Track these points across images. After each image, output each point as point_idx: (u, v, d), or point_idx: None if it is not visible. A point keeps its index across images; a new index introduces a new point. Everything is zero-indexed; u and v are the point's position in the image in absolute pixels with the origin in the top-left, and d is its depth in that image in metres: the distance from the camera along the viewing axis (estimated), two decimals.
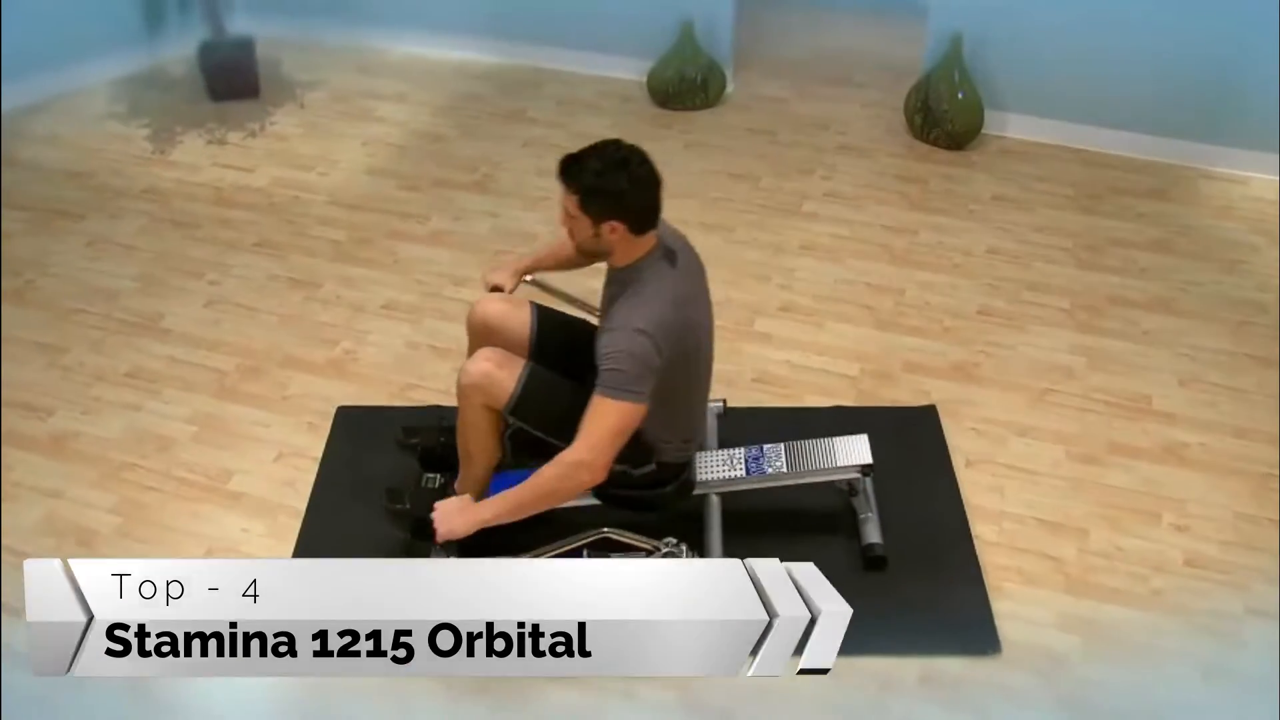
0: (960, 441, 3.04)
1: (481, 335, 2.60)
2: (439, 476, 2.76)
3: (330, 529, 2.78)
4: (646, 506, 2.56)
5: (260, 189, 4.19)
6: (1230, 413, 3.15)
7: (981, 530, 2.78)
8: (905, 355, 3.35)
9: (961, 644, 2.51)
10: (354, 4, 5.23)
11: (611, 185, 2.16)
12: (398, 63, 5.18)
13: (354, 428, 3.09)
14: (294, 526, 2.79)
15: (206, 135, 4.54)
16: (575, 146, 4.77)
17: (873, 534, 2.68)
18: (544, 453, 2.48)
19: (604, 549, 2.48)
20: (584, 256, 2.37)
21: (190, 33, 4.83)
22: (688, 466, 2.55)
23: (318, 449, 3.02)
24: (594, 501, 2.51)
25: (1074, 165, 4.35)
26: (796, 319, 3.50)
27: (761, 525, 2.73)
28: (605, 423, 2.18)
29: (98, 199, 4.12)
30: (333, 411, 3.14)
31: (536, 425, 2.44)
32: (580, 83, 5.00)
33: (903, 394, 3.21)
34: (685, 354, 2.31)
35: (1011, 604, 2.59)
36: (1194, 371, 3.30)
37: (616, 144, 2.21)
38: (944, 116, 4.33)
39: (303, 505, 2.85)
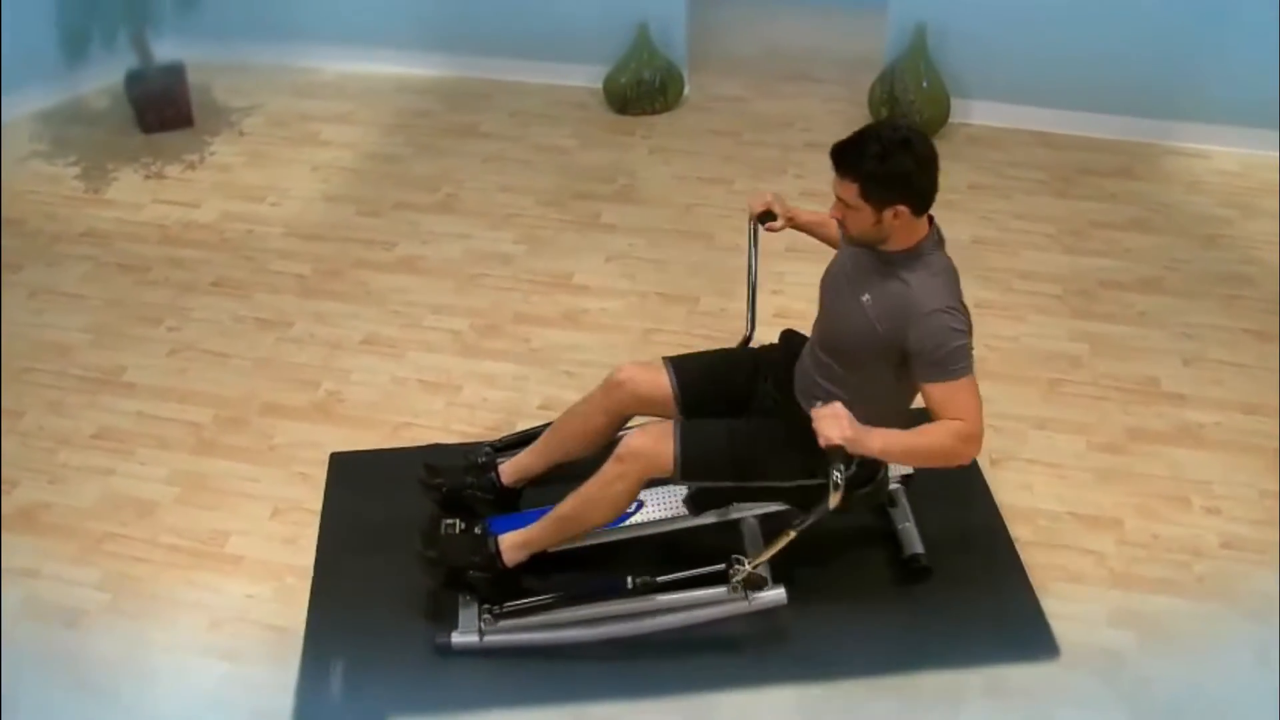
0: None
1: (630, 406, 2.51)
2: (458, 521, 2.60)
3: (343, 586, 2.60)
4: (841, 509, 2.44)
5: (209, 224, 3.95)
6: (1237, 389, 3.16)
7: (1018, 530, 2.73)
8: None
9: (1020, 650, 2.46)
10: (281, 22, 4.97)
11: (898, 168, 2.00)
12: (334, 81, 4.95)
13: (351, 474, 2.91)
14: (302, 588, 2.60)
15: (142, 170, 4.27)
16: (537, 159, 4.69)
17: (914, 544, 2.61)
18: (723, 502, 2.40)
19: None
20: (849, 244, 2.21)
21: (110, 61, 4.54)
22: (883, 465, 2.39)
23: (315, 501, 2.83)
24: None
25: (1040, 149, 4.36)
26: (794, 325, 3.35)
27: (799, 543, 2.61)
28: (976, 398, 2.05)
29: (33, 246, 3.83)
30: (325, 459, 2.95)
31: (712, 478, 2.31)
32: (529, 92, 4.84)
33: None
34: None
35: (1061, 604, 2.54)
36: (1195, 350, 3.31)
37: (892, 124, 2.09)
38: (911, 107, 4.30)
39: (309, 563, 2.66)
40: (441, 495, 2.65)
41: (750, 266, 2.61)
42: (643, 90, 4.57)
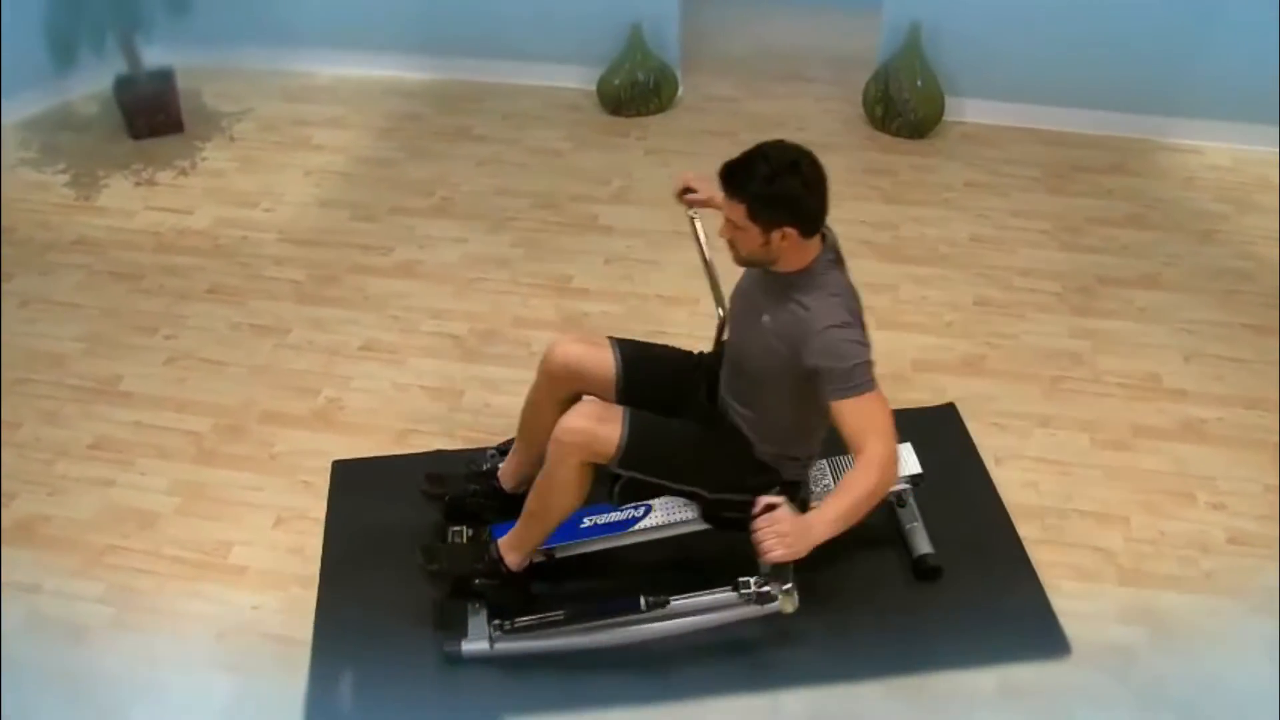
0: (985, 438, 2.98)
1: (562, 381, 2.44)
2: (465, 529, 2.58)
3: (350, 596, 2.57)
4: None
5: (203, 231, 3.91)
6: (1238, 384, 3.17)
7: (1025, 528, 2.73)
8: (913, 354, 3.29)
9: (1031, 648, 2.46)
10: (270, 26, 4.93)
11: (785, 190, 2.00)
12: (325, 85, 4.91)
13: (354, 482, 2.88)
14: (308, 597, 2.57)
15: (133, 177, 4.23)
16: (532, 162, 4.66)
17: (923, 544, 2.61)
18: (648, 497, 2.37)
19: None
20: (739, 264, 2.21)
21: (98, 67, 4.48)
22: (802, 486, 2.42)
23: (319, 509, 2.81)
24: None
25: (1035, 146, 4.37)
26: None
27: None
28: (884, 413, 2.02)
29: (24, 255, 3.78)
30: (328, 467, 2.92)
31: (648, 472, 2.29)
32: (521, 94, 4.82)
33: (918, 394, 3.14)
34: None
35: (1071, 601, 2.55)
36: (1195, 346, 3.31)
37: (780, 145, 2.05)
38: (906, 106, 4.30)
39: (314, 572, 2.64)
40: (445, 504, 2.63)
41: (700, 252, 2.61)
42: (636, 91, 4.55)
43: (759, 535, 1.96)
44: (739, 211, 2.04)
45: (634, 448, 2.21)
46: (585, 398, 2.39)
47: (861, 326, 2.10)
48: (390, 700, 2.36)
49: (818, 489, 2.54)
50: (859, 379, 2.02)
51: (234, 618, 2.54)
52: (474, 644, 2.39)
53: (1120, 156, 4.30)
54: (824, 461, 2.59)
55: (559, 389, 2.44)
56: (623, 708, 2.34)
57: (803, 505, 2.42)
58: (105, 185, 4.18)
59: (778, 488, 2.27)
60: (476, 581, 2.42)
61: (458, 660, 2.39)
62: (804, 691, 2.37)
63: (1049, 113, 4.44)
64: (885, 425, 2.02)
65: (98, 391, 3.19)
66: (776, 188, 2.00)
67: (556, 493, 2.29)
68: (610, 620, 2.34)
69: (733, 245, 2.13)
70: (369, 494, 2.84)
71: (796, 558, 1.95)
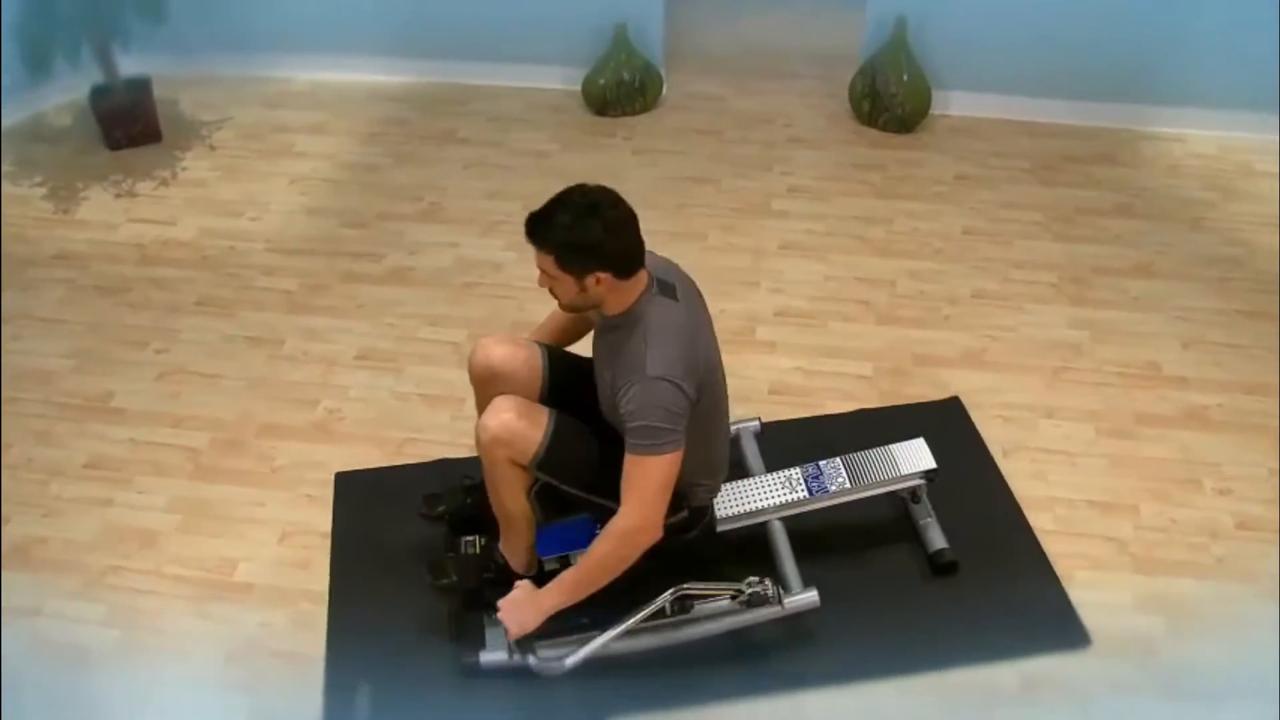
0: (990, 431, 2.98)
1: (487, 382, 2.36)
2: (478, 538, 2.54)
3: (361, 611, 2.53)
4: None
5: (188, 242, 3.84)
6: (1237, 370, 3.19)
7: (1037, 520, 2.73)
8: (913, 348, 3.28)
9: (1051, 641, 2.45)
10: (246, 32, 4.85)
11: (586, 235, 1.98)
12: (305, 91, 4.85)
13: (359, 494, 2.84)
14: (318, 613, 2.53)
15: (113, 188, 4.15)
16: (518, 165, 4.60)
17: (938, 539, 2.60)
18: (572, 508, 2.32)
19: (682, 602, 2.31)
20: (574, 314, 2.19)
21: (72, 77, 4.39)
22: (710, 506, 2.41)
23: (324, 523, 2.76)
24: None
25: (1022, 137, 4.38)
26: (797, 323, 3.40)
27: (823, 544, 2.61)
28: (650, 481, 2.02)
29: (4, 270, 3.69)
30: (330, 479, 2.87)
31: (565, 480, 2.25)
32: (505, 96, 4.78)
33: (921, 389, 3.14)
34: (705, 389, 2.14)
35: (1087, 592, 2.55)
36: (1192, 333, 3.33)
37: (581, 190, 2.03)
38: (892, 100, 4.30)
39: (323, 588, 2.59)
40: (447, 521, 2.60)
41: None
42: (622, 91, 4.52)
43: (501, 618, 2.17)
44: (548, 262, 2.03)
45: (555, 450, 2.17)
46: (504, 395, 2.28)
47: (676, 377, 2.02)
48: (408, 714, 2.33)
49: (833, 487, 2.53)
50: (640, 439, 2.01)
51: (243, 636, 2.49)
52: (492, 655, 2.35)
53: (1107, 146, 4.32)
54: (838, 460, 2.58)
55: (485, 391, 2.36)
56: (644, 714, 2.31)
57: (708, 528, 2.42)
58: (84, 197, 4.09)
59: (685, 513, 2.27)
60: (487, 592, 2.39)
61: (476, 672, 2.36)
62: (824, 692, 2.34)
63: (1035, 104, 4.45)
64: (645, 494, 2.02)
65: (89, 409, 3.12)
66: (578, 235, 1.98)
67: (503, 496, 2.27)
68: (632, 626, 2.31)
69: (553, 294, 2.12)
70: (374, 505, 2.80)
71: (532, 628, 2.15)
